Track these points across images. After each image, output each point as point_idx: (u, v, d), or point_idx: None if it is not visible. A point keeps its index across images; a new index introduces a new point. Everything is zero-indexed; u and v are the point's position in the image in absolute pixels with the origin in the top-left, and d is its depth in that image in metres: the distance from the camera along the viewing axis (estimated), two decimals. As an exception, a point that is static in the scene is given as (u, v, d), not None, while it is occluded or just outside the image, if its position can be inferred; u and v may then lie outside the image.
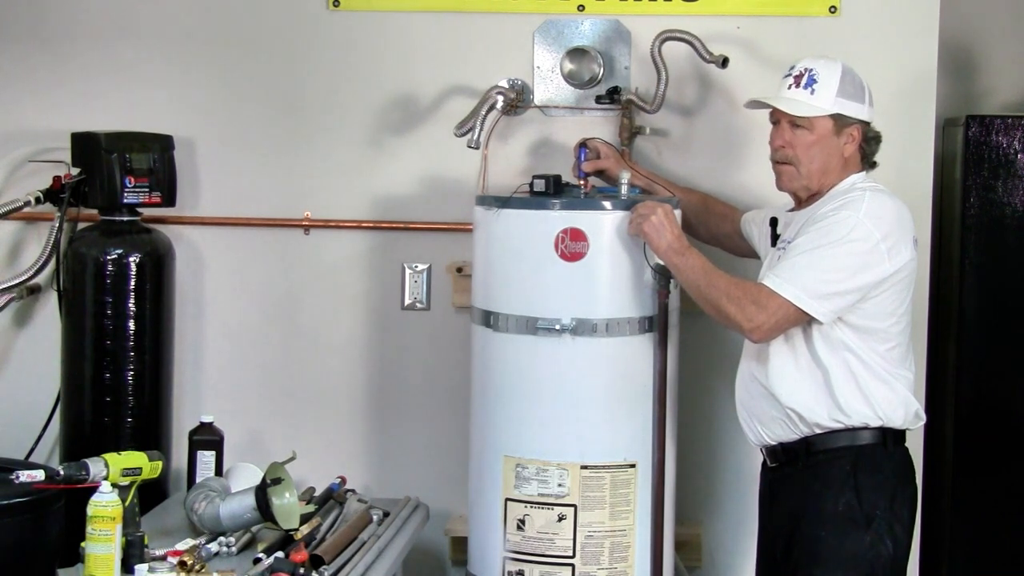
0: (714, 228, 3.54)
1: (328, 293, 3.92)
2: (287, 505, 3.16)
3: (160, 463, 3.06)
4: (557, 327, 3.14)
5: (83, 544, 2.83)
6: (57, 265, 3.74)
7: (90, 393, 3.67)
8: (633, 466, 3.21)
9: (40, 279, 3.86)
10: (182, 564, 2.91)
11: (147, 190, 3.72)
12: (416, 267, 3.89)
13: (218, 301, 3.96)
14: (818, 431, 3.04)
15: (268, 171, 3.91)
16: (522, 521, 3.20)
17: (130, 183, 3.69)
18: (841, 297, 2.96)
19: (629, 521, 3.21)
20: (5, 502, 2.82)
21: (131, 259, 3.68)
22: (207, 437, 3.63)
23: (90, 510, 2.80)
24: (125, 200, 3.69)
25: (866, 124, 3.13)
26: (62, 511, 2.93)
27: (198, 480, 3.56)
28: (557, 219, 3.15)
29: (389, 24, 3.84)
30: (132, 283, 3.67)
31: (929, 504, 3.71)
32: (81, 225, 3.81)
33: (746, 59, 3.69)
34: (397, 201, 3.87)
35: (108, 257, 3.66)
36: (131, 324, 3.67)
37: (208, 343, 3.96)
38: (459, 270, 3.79)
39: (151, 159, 3.72)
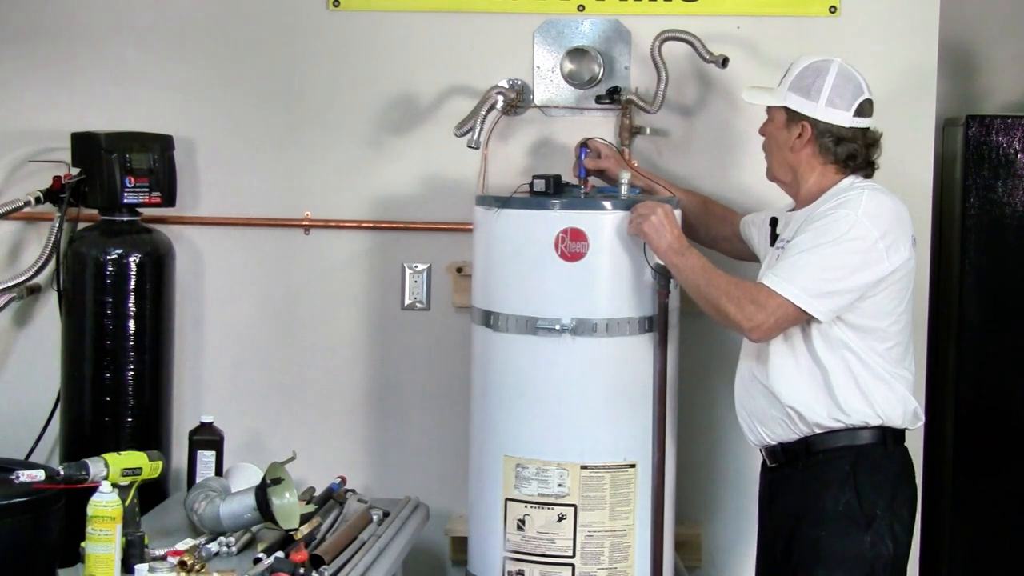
0: (714, 230, 3.54)
1: (328, 293, 3.92)
2: (287, 505, 3.16)
3: (160, 463, 3.06)
4: (557, 327, 3.14)
5: (83, 544, 2.83)
6: (57, 265, 3.74)
7: (90, 393, 3.67)
8: (633, 466, 3.21)
9: (40, 279, 3.86)
10: (182, 564, 2.92)
11: (147, 190, 3.72)
12: (416, 267, 3.89)
13: (218, 301, 3.96)
14: (818, 431, 3.04)
15: (268, 171, 3.91)
16: (522, 521, 3.20)
17: (130, 183, 3.69)
18: (840, 296, 2.96)
19: (629, 521, 3.21)
20: (5, 502, 2.82)
21: (131, 259, 3.68)
22: (207, 437, 3.63)
23: (90, 510, 2.80)
24: (125, 200, 3.69)
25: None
26: (62, 511, 2.93)
27: (198, 480, 3.56)
28: (557, 219, 3.15)
29: (389, 24, 3.84)
30: (132, 283, 3.67)
31: (929, 504, 3.72)
32: (81, 225, 3.81)
33: (746, 59, 3.69)
34: (397, 201, 3.88)
35: (108, 257, 3.66)
36: (131, 324, 3.67)
37: (208, 343, 3.96)
38: (459, 270, 3.79)
39: (151, 159, 3.72)
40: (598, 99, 3.73)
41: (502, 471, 3.22)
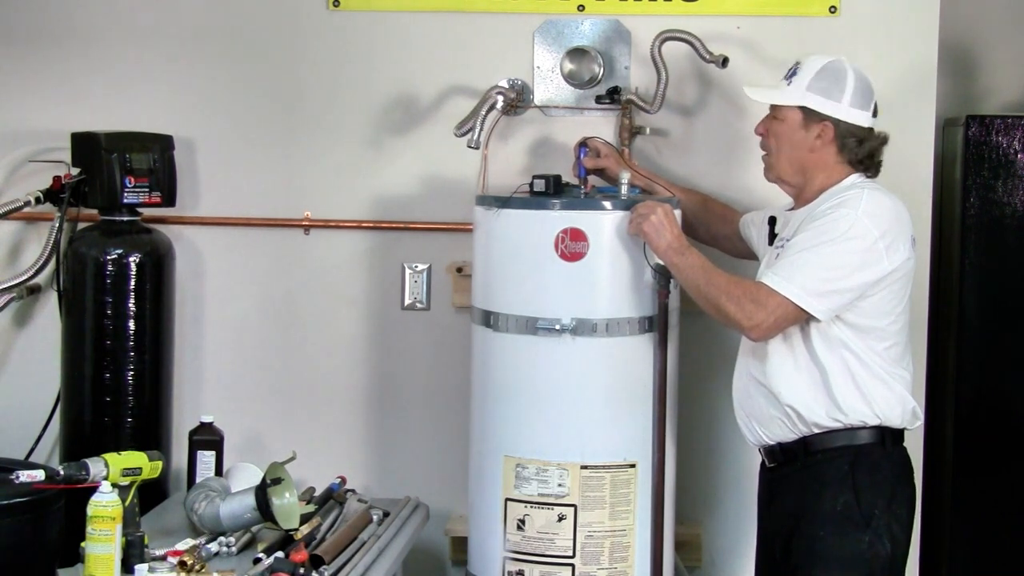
0: (713, 229, 3.54)
1: (328, 293, 3.92)
2: (287, 505, 3.16)
3: (160, 463, 3.06)
4: (557, 327, 3.14)
5: (83, 544, 2.83)
6: (57, 265, 3.74)
7: (90, 393, 3.67)
8: (633, 466, 3.21)
9: (40, 279, 3.86)
10: (182, 564, 2.92)
11: (147, 190, 3.72)
12: (416, 267, 3.89)
13: (218, 301, 3.96)
14: (816, 430, 3.04)
15: (268, 171, 3.91)
16: (522, 521, 3.20)
17: (130, 183, 3.69)
18: (840, 295, 2.96)
19: (629, 521, 3.21)
20: (5, 502, 2.82)
21: (131, 259, 3.68)
22: (207, 437, 3.63)
23: (90, 510, 2.80)
24: (125, 200, 3.69)
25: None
26: (62, 511, 2.93)
27: (198, 480, 3.56)
28: (557, 219, 3.15)
29: (389, 24, 3.84)
30: (132, 283, 3.67)
31: (929, 504, 3.72)
32: (81, 225, 3.81)
33: (746, 59, 3.69)
34: (397, 201, 3.88)
35: (108, 257, 3.66)
36: (131, 324, 3.67)
37: (208, 343, 3.96)
38: (459, 270, 3.79)
39: (151, 159, 3.72)
40: (598, 99, 3.73)
41: (502, 471, 3.22)
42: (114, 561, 2.80)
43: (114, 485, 2.88)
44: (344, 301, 3.92)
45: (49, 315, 3.91)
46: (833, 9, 3.70)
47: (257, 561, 2.98)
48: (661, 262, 3.12)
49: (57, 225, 3.72)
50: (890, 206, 3.03)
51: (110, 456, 2.98)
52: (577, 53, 3.76)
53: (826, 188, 3.11)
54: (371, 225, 3.89)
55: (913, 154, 3.70)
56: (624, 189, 3.24)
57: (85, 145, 3.71)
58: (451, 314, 3.87)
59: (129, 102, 3.90)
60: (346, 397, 3.94)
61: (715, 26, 3.69)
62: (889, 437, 3.06)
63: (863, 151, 3.12)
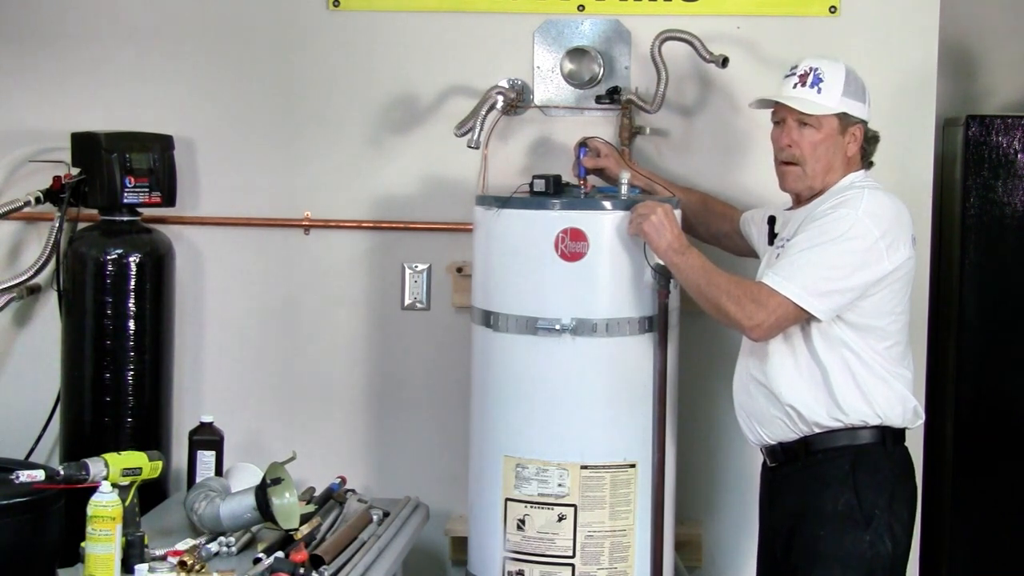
0: (714, 227, 3.54)
1: (328, 293, 3.92)
2: (287, 505, 3.16)
3: (160, 463, 3.06)
4: (557, 327, 3.14)
5: (83, 544, 2.83)
6: (57, 265, 3.74)
7: (90, 393, 3.67)
8: (633, 466, 3.21)
9: (40, 279, 3.86)
10: (182, 564, 2.92)
11: (147, 190, 3.72)
12: (416, 267, 3.89)
13: (218, 301, 3.96)
14: (817, 430, 3.04)
15: (268, 171, 3.91)
16: (522, 521, 3.20)
17: (130, 183, 3.69)
18: (840, 295, 2.96)
19: (629, 521, 3.21)
20: (5, 502, 2.82)
21: (131, 259, 3.68)
22: (207, 437, 3.63)
23: (90, 510, 2.80)
24: (125, 200, 3.69)
25: (866, 124, 3.14)
26: (62, 511, 2.93)
27: (198, 480, 3.55)
28: (557, 219, 3.15)
29: (389, 24, 3.84)
30: (132, 283, 3.67)
31: (929, 504, 3.71)
32: (81, 225, 3.81)
33: (746, 59, 3.69)
34: (397, 201, 3.88)
35: (108, 257, 3.66)
36: (131, 324, 3.67)
37: (208, 343, 3.96)
38: (459, 270, 3.79)
39: (151, 159, 3.72)
40: (598, 99, 3.73)
41: (502, 471, 3.22)
42: (114, 561, 2.80)
43: (114, 485, 2.88)
44: (344, 301, 3.92)
45: (49, 315, 3.91)
46: (833, 9, 3.70)
47: (257, 561, 2.98)
48: (661, 262, 3.12)
49: (57, 225, 3.72)
50: (891, 206, 3.04)
51: (110, 456, 2.98)
52: (577, 53, 3.76)
53: (827, 187, 3.11)
54: (371, 225, 3.89)
55: (913, 154, 3.70)
56: (624, 189, 3.24)
57: (85, 145, 3.71)
58: (451, 314, 3.87)
59: (129, 102, 3.90)
60: (346, 397, 3.94)
61: (715, 26, 3.69)
62: (890, 437, 3.06)
63: (873, 150, 3.17)
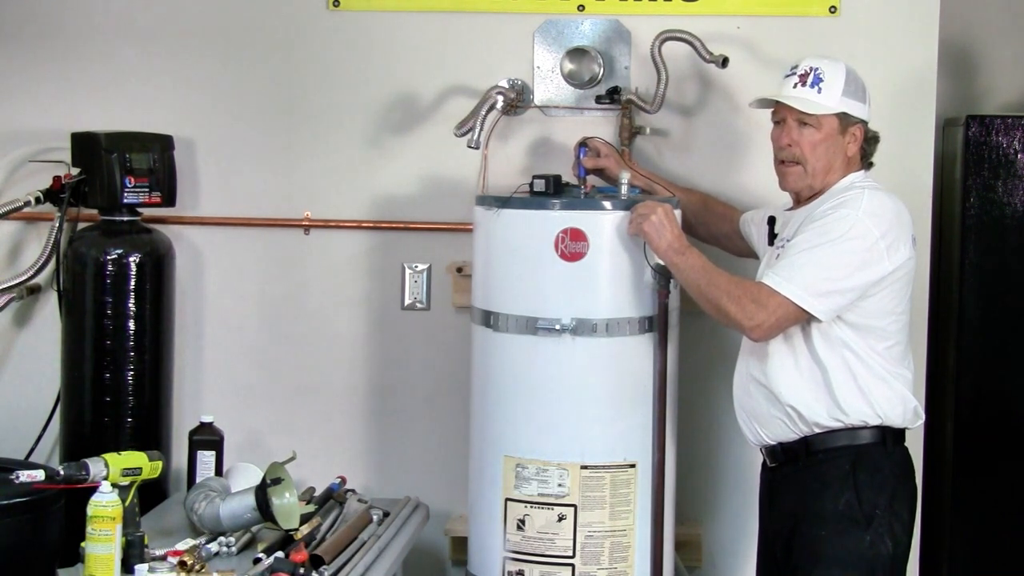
0: (713, 228, 3.54)
1: (328, 293, 3.92)
2: (287, 505, 3.16)
3: (160, 463, 3.06)
4: (557, 327, 3.14)
5: (83, 544, 2.83)
6: (57, 265, 3.74)
7: (90, 393, 3.67)
8: (633, 466, 3.21)
9: (40, 279, 3.86)
10: (182, 564, 2.92)
11: (147, 190, 3.72)
12: (416, 267, 3.89)
13: (218, 301, 3.96)
14: (817, 430, 3.04)
15: (268, 171, 3.91)
16: (522, 521, 3.20)
17: (130, 183, 3.68)
18: (841, 295, 2.96)
19: (629, 521, 3.21)
20: (5, 502, 2.82)
21: (131, 259, 3.68)
22: (207, 437, 3.63)
23: (90, 510, 2.80)
24: (125, 200, 3.69)
25: (866, 124, 3.14)
26: (62, 511, 2.93)
27: (198, 480, 3.56)
28: (557, 219, 3.15)
29: (389, 24, 3.84)
30: (132, 283, 3.67)
31: (929, 504, 3.71)
32: (81, 225, 3.81)
33: (746, 59, 3.69)
34: (397, 201, 3.88)
35: (108, 257, 3.66)
36: (131, 324, 3.67)
37: (208, 343, 3.96)
38: (459, 270, 3.79)
39: (151, 159, 3.72)
40: (598, 99, 3.73)
41: (502, 471, 3.22)
42: (114, 561, 2.80)
43: (114, 485, 2.88)
44: (344, 301, 3.92)
45: (49, 315, 3.91)
46: (833, 9, 3.70)
47: (257, 561, 2.98)
48: (661, 262, 3.12)
49: (57, 225, 3.72)
50: (891, 206, 3.04)
51: (110, 456, 2.98)
52: (577, 53, 3.76)
53: (828, 187, 3.12)
54: (371, 225, 3.89)
55: (913, 154, 3.70)
56: (624, 189, 3.24)
57: (85, 145, 3.71)
58: (451, 314, 3.87)
59: (129, 102, 3.91)
60: (346, 397, 3.94)
61: (715, 26, 3.69)
62: (890, 437, 3.06)
63: (872, 150, 3.17)
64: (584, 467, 3.17)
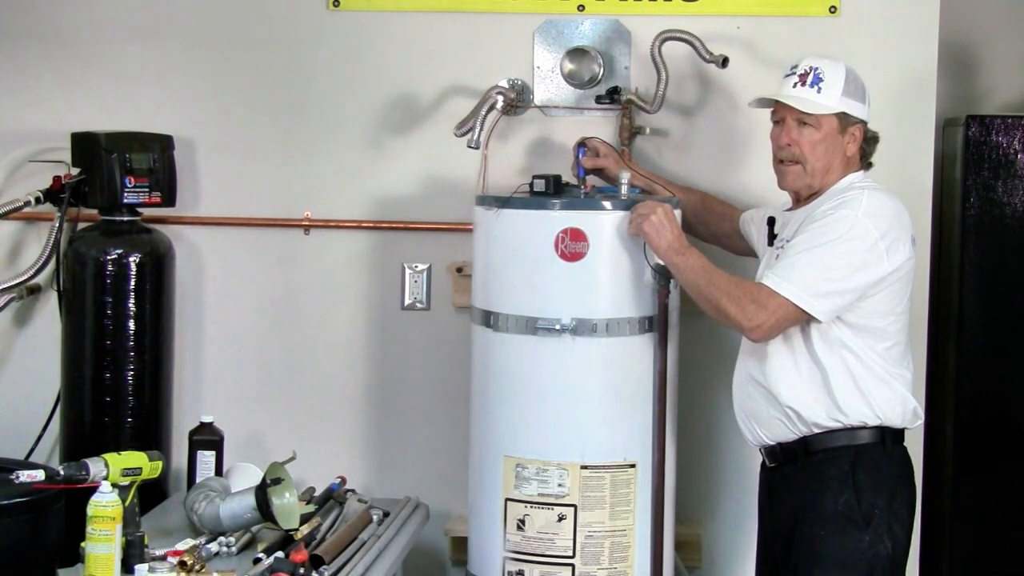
0: (713, 227, 3.54)
1: (328, 293, 3.92)
2: (287, 505, 3.16)
3: (160, 463, 3.06)
4: (557, 327, 3.14)
5: (83, 544, 2.83)
6: (57, 265, 3.74)
7: (90, 393, 3.67)
8: (633, 466, 3.21)
9: (40, 279, 3.86)
10: (182, 564, 2.92)
11: (147, 190, 3.72)
12: (416, 267, 3.89)
13: (218, 301, 3.96)
14: (816, 431, 3.04)
15: (268, 171, 3.91)
16: (522, 521, 3.20)
17: (130, 183, 3.68)
18: (840, 296, 2.96)
19: (629, 521, 3.21)
20: (5, 502, 2.82)
21: (131, 259, 3.68)
22: (207, 437, 3.63)
23: (90, 510, 2.80)
24: (125, 200, 3.69)
25: (866, 124, 3.14)
26: (62, 511, 2.93)
27: (198, 480, 3.56)
28: (557, 219, 3.15)
29: (389, 24, 3.84)
30: (132, 283, 3.67)
31: (929, 504, 3.71)
32: (81, 225, 3.81)
33: (746, 59, 3.69)
34: (397, 201, 3.88)
35: (108, 257, 3.66)
36: (131, 324, 3.67)
37: (208, 343, 3.96)
38: (459, 270, 3.79)
39: (151, 159, 3.72)
40: (598, 99, 3.73)
41: (502, 471, 3.22)
42: (114, 561, 2.80)
43: (114, 485, 2.88)
44: (344, 301, 3.92)
45: (49, 315, 3.91)
46: (833, 9, 3.70)
47: (257, 561, 2.98)
48: (661, 262, 3.12)
49: (57, 225, 3.72)
50: (890, 206, 3.04)
51: (110, 456, 2.98)
52: (577, 53, 3.76)
53: (827, 188, 3.12)
54: (371, 225, 3.89)
55: (913, 154, 3.70)
56: (624, 189, 3.24)
57: (85, 145, 3.71)
58: (451, 314, 3.87)
59: (129, 102, 3.91)
60: (346, 397, 3.94)
61: (715, 26, 3.69)
62: (889, 437, 3.06)
63: (872, 151, 3.17)
64: (584, 467, 3.17)
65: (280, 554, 2.98)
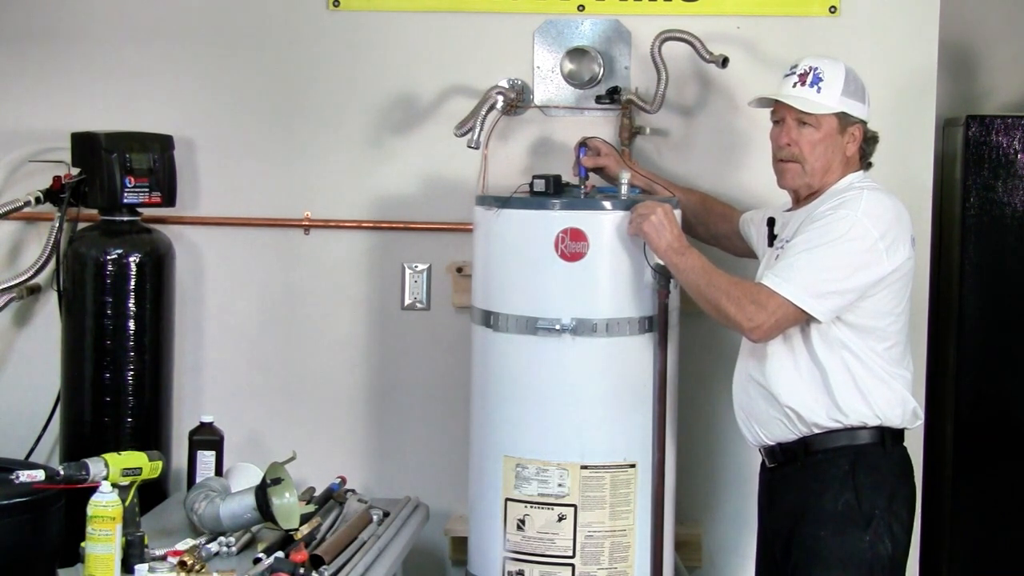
0: (713, 227, 3.54)
1: (328, 293, 3.92)
2: (287, 505, 3.16)
3: (160, 463, 3.06)
4: (557, 327, 3.14)
5: (83, 544, 2.83)
6: (57, 265, 3.74)
7: (90, 393, 3.67)
8: (633, 466, 3.21)
9: (40, 279, 3.86)
10: (182, 564, 2.92)
11: (147, 190, 3.72)
12: (416, 267, 3.89)
13: (218, 301, 3.96)
14: (816, 431, 3.04)
15: (268, 171, 3.91)
16: (522, 521, 3.20)
17: (130, 183, 3.68)
18: (840, 296, 2.96)
19: (629, 521, 3.21)
20: (5, 502, 2.82)
21: (131, 259, 3.68)
22: (207, 437, 3.63)
23: (90, 510, 2.80)
24: (125, 200, 3.69)
25: (865, 124, 3.14)
26: (62, 511, 2.93)
27: (198, 480, 3.56)
28: (557, 219, 3.15)
29: (389, 24, 3.84)
30: (132, 283, 3.67)
31: (929, 504, 3.72)
32: (81, 225, 3.81)
33: (746, 59, 3.69)
34: (397, 201, 3.88)
35: (108, 257, 3.66)
36: (131, 324, 3.67)
37: (208, 343, 3.96)
38: (459, 270, 3.79)
39: (151, 159, 3.72)
40: (598, 99, 3.73)
41: (502, 471, 3.22)
42: (114, 561, 2.80)
43: (114, 485, 2.88)
44: (344, 301, 3.92)
45: (49, 315, 3.91)
46: (833, 9, 3.70)
47: (257, 561, 2.98)
48: (661, 262, 3.12)
49: (57, 225, 3.72)
50: (890, 206, 3.04)
51: (110, 456, 2.98)
52: (577, 53, 3.76)
53: (826, 188, 3.12)
54: (371, 225, 3.89)
55: (913, 154, 3.70)
56: (624, 189, 3.24)
57: (85, 145, 3.71)
58: (451, 314, 3.87)
59: (129, 102, 3.91)
60: (346, 397, 3.94)
61: (715, 26, 3.69)
62: (889, 437, 3.06)
63: (871, 151, 3.17)
64: (584, 467, 3.17)
65: (280, 554, 2.98)
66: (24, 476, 2.82)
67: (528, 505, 3.19)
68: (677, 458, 3.38)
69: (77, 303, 3.70)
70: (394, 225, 3.88)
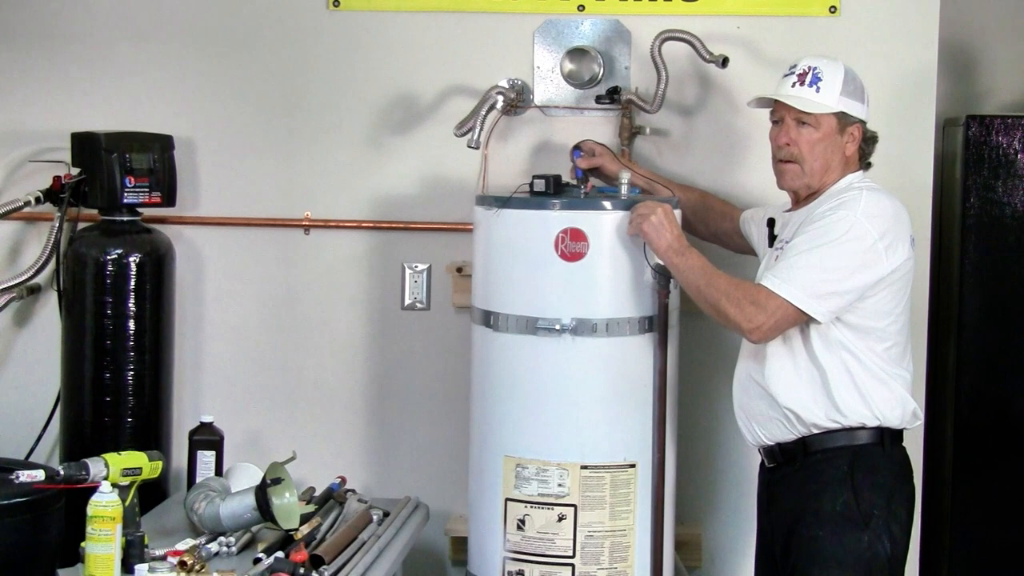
0: (713, 226, 3.54)
1: (328, 293, 3.93)
2: (287, 505, 3.16)
3: (160, 463, 3.07)
4: (557, 327, 3.14)
5: (83, 544, 2.84)
6: (57, 265, 3.74)
7: (90, 393, 3.67)
8: (633, 466, 3.21)
9: (40, 279, 3.86)
10: (182, 564, 2.92)
11: (147, 190, 3.72)
12: (416, 267, 3.89)
13: (218, 301, 3.96)
14: (815, 431, 3.04)
15: (268, 171, 3.91)
16: (522, 521, 3.20)
17: (130, 183, 3.69)
18: (840, 297, 2.96)
19: (629, 521, 3.21)
20: (5, 502, 2.83)
21: (131, 259, 3.68)
22: (207, 437, 3.63)
23: (90, 510, 2.80)
24: (125, 200, 3.69)
25: (865, 124, 3.14)
26: (62, 511, 2.94)
27: (198, 480, 3.56)
28: (557, 219, 3.15)
29: (389, 24, 3.84)
30: (132, 283, 3.67)
31: (929, 504, 3.71)
32: (81, 225, 3.81)
33: (746, 59, 3.70)
34: (397, 201, 3.88)
35: (108, 257, 3.66)
36: (131, 324, 3.67)
37: (208, 343, 3.97)
38: (459, 270, 3.79)
39: (151, 159, 3.72)
40: (598, 99, 3.73)
41: (502, 471, 3.22)
42: (114, 561, 2.80)
43: (114, 485, 2.88)
44: (344, 301, 3.92)
45: (49, 315, 3.91)
46: (833, 9, 3.70)
47: (257, 561, 2.98)
48: (661, 262, 3.12)
49: (57, 225, 3.73)
50: (889, 207, 3.04)
51: (110, 456, 2.98)
52: (577, 53, 3.76)
53: (826, 188, 3.12)
54: (371, 225, 3.89)
55: (913, 154, 3.70)
56: (624, 189, 3.25)
57: (85, 145, 3.71)
58: (451, 314, 3.87)
59: (129, 102, 3.91)
60: (346, 397, 3.94)
61: (715, 26, 3.69)
62: (888, 437, 3.06)
63: (871, 151, 3.17)
64: (584, 467, 3.17)
65: (280, 554, 2.98)
66: (24, 476, 2.83)
67: (528, 505, 3.19)
68: (677, 458, 3.38)
69: (77, 303, 3.70)
70: (394, 225, 3.89)
